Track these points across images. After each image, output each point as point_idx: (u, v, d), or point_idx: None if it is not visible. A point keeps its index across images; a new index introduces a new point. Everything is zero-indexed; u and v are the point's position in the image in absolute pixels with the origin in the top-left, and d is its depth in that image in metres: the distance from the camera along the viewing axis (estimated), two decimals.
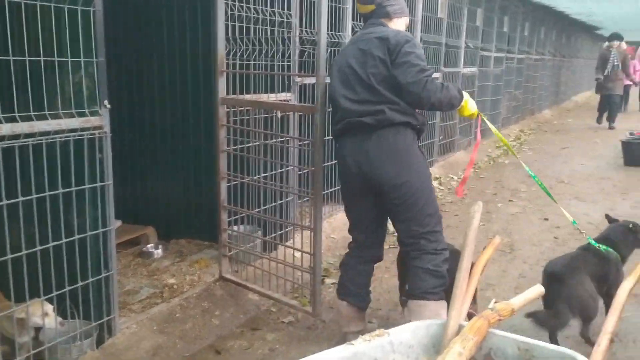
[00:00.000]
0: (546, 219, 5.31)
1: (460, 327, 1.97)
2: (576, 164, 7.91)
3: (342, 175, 2.98)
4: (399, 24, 2.95)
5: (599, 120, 11.80)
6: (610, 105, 11.33)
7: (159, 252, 4.20)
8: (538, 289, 2.12)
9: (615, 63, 10.75)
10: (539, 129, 12.04)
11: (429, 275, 2.76)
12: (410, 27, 6.01)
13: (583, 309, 2.80)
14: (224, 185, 3.42)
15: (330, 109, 3.01)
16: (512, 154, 3.30)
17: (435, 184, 6.67)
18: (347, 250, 3.09)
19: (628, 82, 12.62)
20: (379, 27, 2.86)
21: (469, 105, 2.89)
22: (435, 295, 2.75)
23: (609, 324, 1.85)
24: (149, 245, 4.26)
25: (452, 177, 7.21)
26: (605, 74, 10.95)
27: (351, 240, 3.07)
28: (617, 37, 10.99)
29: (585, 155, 8.63)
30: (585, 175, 7.18)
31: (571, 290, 2.79)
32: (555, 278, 2.84)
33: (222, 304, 3.35)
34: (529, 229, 5.03)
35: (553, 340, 2.82)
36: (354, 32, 4.81)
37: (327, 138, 4.62)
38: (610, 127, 11.24)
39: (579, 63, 19.55)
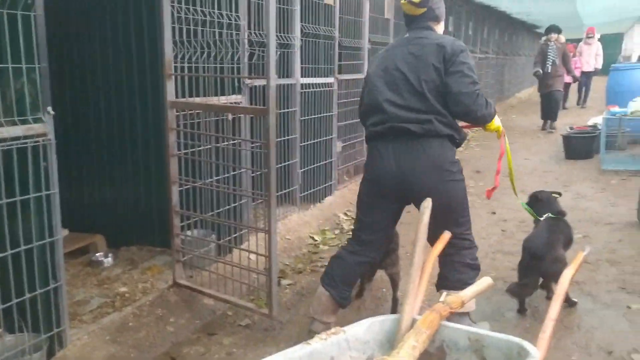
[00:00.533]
0: (494, 213, 5.49)
1: (414, 321, 2.02)
2: (521, 158, 8.19)
3: (373, 176, 2.93)
4: (441, 27, 3.02)
5: (544, 127, 11.04)
6: (550, 103, 10.72)
7: (109, 261, 4.11)
8: (486, 281, 2.19)
9: (554, 59, 10.24)
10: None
11: (468, 268, 2.92)
12: (358, 28, 6.10)
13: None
14: (175, 190, 3.38)
15: (364, 106, 3.01)
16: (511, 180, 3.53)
17: None
18: (345, 245, 3.11)
19: (568, 80, 12.63)
20: (430, 32, 2.91)
21: (496, 121, 2.96)
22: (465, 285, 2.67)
23: (553, 311, 1.93)
24: (98, 254, 4.16)
25: None
26: (545, 70, 10.33)
27: (353, 238, 3.07)
28: (554, 29, 10.42)
29: (529, 150, 8.94)
30: (530, 169, 7.44)
31: (548, 266, 3.16)
32: (536, 256, 3.20)
33: (176, 311, 3.31)
34: (478, 223, 5.16)
35: (522, 307, 3.33)
36: (302, 33, 4.84)
37: (279, 139, 4.68)
38: (551, 129, 10.79)
39: (521, 60, 20.25)
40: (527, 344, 1.80)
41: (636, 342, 2.96)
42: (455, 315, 2.59)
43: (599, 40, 15.28)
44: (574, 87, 14.85)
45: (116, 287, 3.69)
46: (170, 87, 3.24)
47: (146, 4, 3.91)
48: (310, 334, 2.80)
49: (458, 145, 2.92)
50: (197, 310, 3.38)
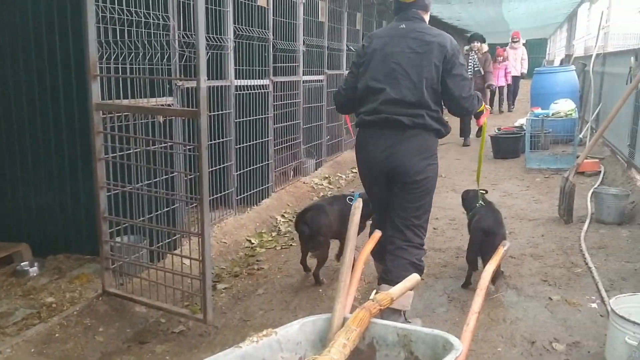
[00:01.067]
0: None
1: (345, 320, 2.05)
2: (452, 158, 8.47)
3: (365, 162, 3.22)
4: (427, 16, 3.26)
5: (476, 134, 10.03)
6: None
7: (34, 270, 3.91)
8: (414, 278, 2.26)
9: (476, 68, 9.83)
10: None
11: (412, 267, 3.06)
12: (293, 30, 6.12)
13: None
14: (103, 195, 3.27)
15: (359, 91, 3.17)
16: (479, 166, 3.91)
17: (325, 182, 6.86)
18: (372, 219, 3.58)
19: (502, 83, 13.07)
20: (423, 24, 3.15)
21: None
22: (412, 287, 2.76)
23: (476, 304, 2.02)
24: (23, 263, 3.96)
25: (341, 176, 7.43)
26: None
27: (372, 220, 3.59)
28: (476, 37, 10.26)
29: (459, 150, 9.26)
30: (460, 169, 7.71)
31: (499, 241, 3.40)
32: (491, 233, 3.62)
33: (106, 320, 3.20)
34: None
35: (468, 279, 3.77)
36: (236, 35, 4.81)
37: (214, 142, 4.63)
38: (465, 144, 9.75)
39: None
40: (451, 337, 1.87)
41: (557, 332, 3.13)
42: (390, 314, 2.87)
43: (525, 45, 15.76)
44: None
45: (42, 298, 3.52)
46: (95, 89, 3.14)
47: (71, 2, 3.76)
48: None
49: (442, 137, 3.20)
50: (128, 318, 3.29)
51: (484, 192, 4.22)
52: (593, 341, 3.00)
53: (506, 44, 14.34)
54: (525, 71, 14.33)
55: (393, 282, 2.83)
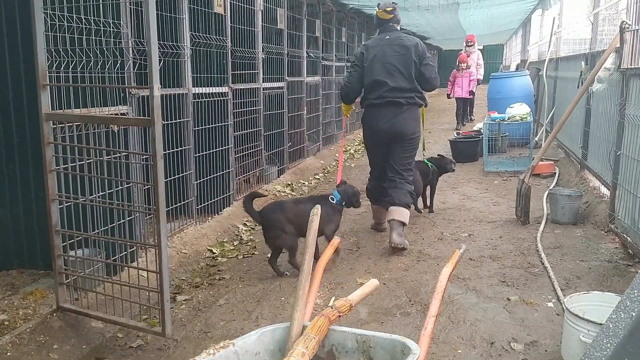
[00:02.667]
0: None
1: (304, 328, 2.04)
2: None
3: (372, 132, 4.83)
4: (399, 26, 4.92)
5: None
6: None
7: None
8: (373, 283, 2.26)
9: None
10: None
11: (410, 195, 4.77)
12: (252, 38, 6.10)
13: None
14: (55, 208, 3.17)
15: (368, 89, 4.76)
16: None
17: (287, 190, 6.83)
18: (370, 178, 5.13)
19: (465, 95, 12.24)
20: (399, 33, 4.82)
21: None
22: (409, 206, 4.72)
23: (433, 307, 2.03)
24: None
25: (304, 183, 7.42)
26: None
27: (372, 172, 5.08)
28: None
29: (419, 155, 9.34)
30: None
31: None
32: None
33: (61, 337, 3.10)
34: None
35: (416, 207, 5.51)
36: (192, 42, 4.76)
37: (172, 151, 4.56)
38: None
39: None
40: (409, 342, 1.88)
41: (515, 332, 3.19)
42: (396, 226, 4.54)
43: (482, 50, 15.98)
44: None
45: None
46: (45, 99, 3.04)
47: (21, 9, 3.64)
48: (378, 228, 5.22)
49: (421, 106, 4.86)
50: (84, 334, 3.19)
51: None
52: (550, 340, 3.07)
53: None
54: (481, 77, 13.48)
55: (398, 204, 4.62)
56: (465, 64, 12.29)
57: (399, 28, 4.88)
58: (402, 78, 4.58)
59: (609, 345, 2.36)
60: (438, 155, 6.10)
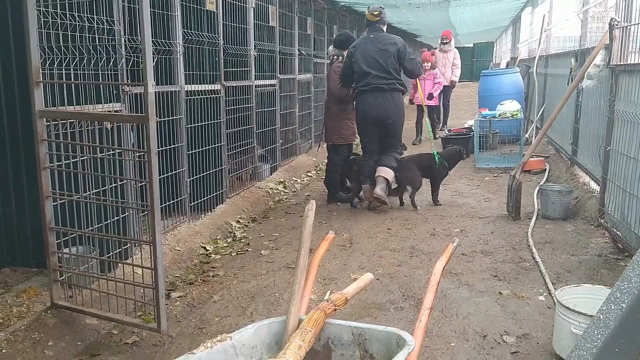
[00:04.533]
0: (379, 213, 5.73)
1: (300, 321, 2.06)
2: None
3: (363, 115, 5.73)
4: (385, 27, 5.85)
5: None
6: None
7: None
8: (368, 277, 2.29)
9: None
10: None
11: (395, 161, 5.72)
12: (244, 35, 6.10)
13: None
14: (49, 205, 3.16)
15: (356, 76, 5.71)
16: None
17: (280, 187, 6.85)
18: (364, 157, 5.89)
19: (435, 103, 10.29)
20: (383, 32, 5.78)
21: None
22: (393, 168, 5.65)
23: (427, 300, 2.06)
24: None
25: (296, 180, 7.44)
26: None
27: (365, 152, 5.91)
28: (338, 43, 6.76)
29: (411, 153, 9.37)
30: None
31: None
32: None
33: (55, 333, 3.10)
34: (366, 223, 5.38)
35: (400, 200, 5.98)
36: (185, 39, 4.76)
37: (165, 148, 4.56)
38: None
39: None
40: (404, 334, 1.90)
41: (507, 325, 3.23)
42: (380, 182, 5.62)
43: (472, 47, 15.87)
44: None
45: None
46: (38, 96, 3.04)
47: (13, 6, 3.63)
48: (370, 206, 5.89)
49: (404, 94, 5.91)
50: (79, 331, 3.19)
51: (458, 150, 6.10)
52: (541, 332, 3.11)
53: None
54: (456, 79, 11.57)
55: (385, 165, 5.63)
56: (429, 64, 10.06)
57: (384, 29, 5.80)
58: (383, 69, 5.57)
59: (599, 336, 2.41)
60: (447, 146, 6.61)
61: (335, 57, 6.35)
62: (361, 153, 6.10)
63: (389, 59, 5.56)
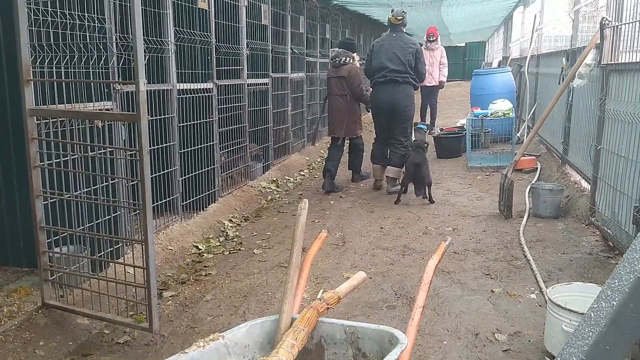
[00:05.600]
0: (372, 212, 5.73)
1: (293, 320, 2.06)
2: None
3: (377, 104, 6.52)
4: (405, 28, 6.64)
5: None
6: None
7: None
8: (361, 276, 2.29)
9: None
10: (365, 128, 12.91)
11: (402, 157, 6.30)
12: (236, 34, 6.08)
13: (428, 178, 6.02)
14: (39, 204, 3.14)
15: (373, 68, 6.50)
16: None
17: (272, 186, 6.83)
18: (375, 142, 6.78)
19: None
20: (403, 34, 6.56)
21: None
22: (402, 166, 6.31)
23: (420, 298, 2.06)
24: None
25: (289, 179, 7.43)
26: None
27: (377, 138, 6.76)
28: (348, 46, 7.03)
29: None
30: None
31: (426, 170, 5.94)
32: (417, 165, 5.85)
33: (46, 333, 3.08)
34: (359, 222, 5.38)
35: (398, 198, 6.11)
36: (177, 37, 4.74)
37: (157, 147, 4.54)
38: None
39: None
40: (397, 332, 1.90)
41: (499, 323, 3.24)
42: (390, 182, 6.53)
43: (463, 47, 15.82)
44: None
45: None
46: (28, 94, 3.01)
47: (2, 2, 3.59)
48: (375, 185, 6.77)
49: (416, 89, 6.67)
50: (70, 331, 3.17)
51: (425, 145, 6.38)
52: (533, 330, 3.13)
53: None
54: (444, 79, 11.03)
55: (394, 164, 6.43)
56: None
57: (404, 30, 6.63)
58: (400, 64, 6.32)
59: (590, 334, 2.42)
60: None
61: (345, 59, 6.73)
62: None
63: (408, 56, 6.32)
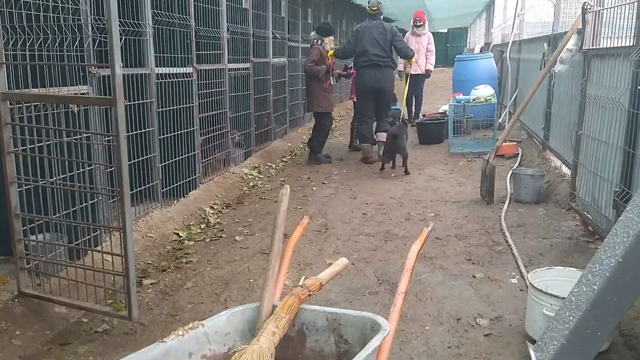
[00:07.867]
0: (355, 198, 5.72)
1: (274, 307, 2.03)
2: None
3: (362, 87, 7.32)
4: (381, 16, 7.43)
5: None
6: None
7: None
8: (343, 262, 2.26)
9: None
10: (348, 115, 12.88)
11: (388, 124, 7.26)
12: (216, 17, 5.97)
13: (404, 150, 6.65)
14: (14, 191, 3.06)
15: (356, 52, 7.34)
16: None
17: (254, 172, 6.78)
18: (361, 123, 7.49)
19: None
20: (381, 21, 7.34)
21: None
22: (387, 130, 7.00)
23: (402, 284, 2.05)
24: None
25: (271, 166, 7.37)
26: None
27: (363, 117, 7.48)
28: (321, 30, 7.63)
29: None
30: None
31: (402, 142, 6.56)
32: (395, 136, 6.52)
33: (23, 322, 3.01)
34: (341, 208, 5.36)
35: (382, 166, 6.89)
36: (154, 20, 4.63)
37: (135, 132, 4.45)
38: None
39: None
40: (379, 318, 1.89)
41: (480, 308, 3.26)
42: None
43: (445, 33, 15.84)
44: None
45: None
46: (1, 78, 2.91)
47: None
48: (364, 160, 7.45)
49: (394, 70, 7.63)
50: (48, 320, 3.11)
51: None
52: (514, 315, 3.15)
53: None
54: (431, 67, 10.25)
55: (384, 130, 7.16)
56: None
57: (382, 17, 7.46)
58: (381, 48, 7.17)
59: (571, 318, 2.44)
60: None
61: (315, 40, 7.63)
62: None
63: (387, 41, 7.19)
